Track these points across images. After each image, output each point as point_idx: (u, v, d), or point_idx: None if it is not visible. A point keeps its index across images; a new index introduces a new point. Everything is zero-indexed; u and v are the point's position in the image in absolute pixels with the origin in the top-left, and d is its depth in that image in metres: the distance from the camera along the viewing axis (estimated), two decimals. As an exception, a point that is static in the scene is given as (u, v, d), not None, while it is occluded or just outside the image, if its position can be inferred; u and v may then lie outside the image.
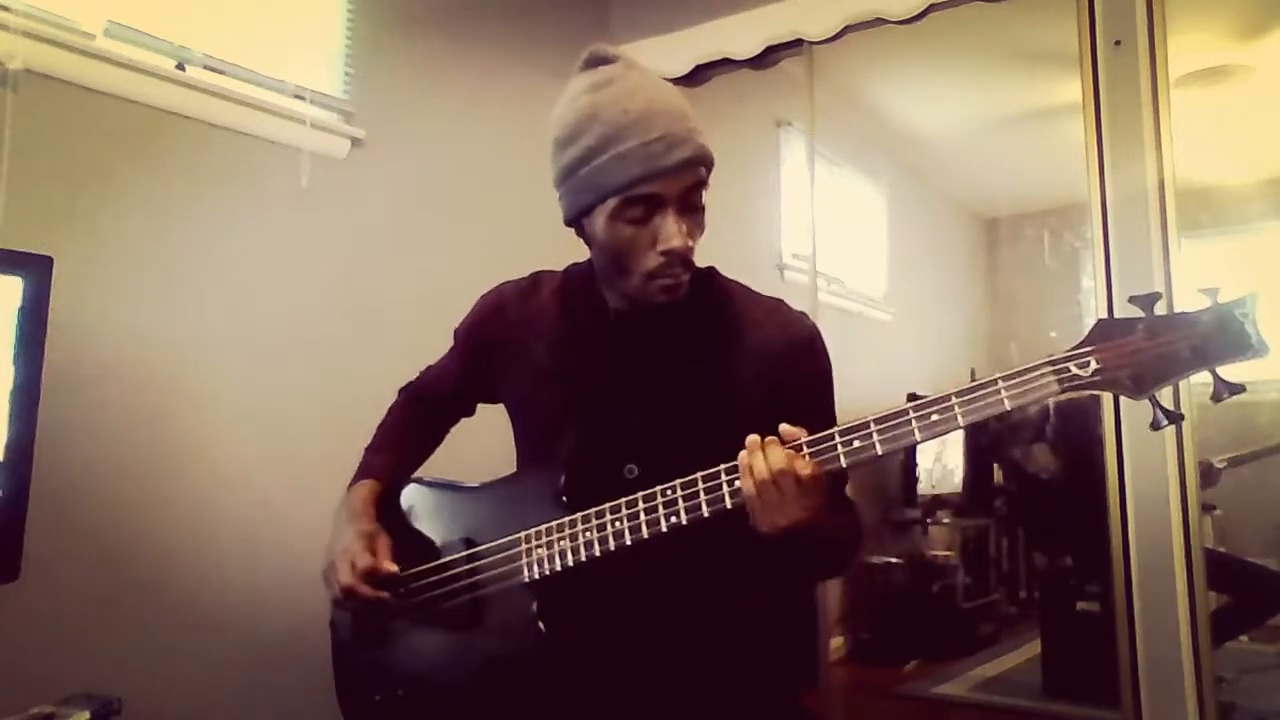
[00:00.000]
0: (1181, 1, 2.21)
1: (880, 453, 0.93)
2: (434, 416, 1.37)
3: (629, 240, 1.06)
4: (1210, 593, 2.03)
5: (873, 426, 0.93)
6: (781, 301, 1.19)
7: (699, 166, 1.06)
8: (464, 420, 1.39)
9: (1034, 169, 4.56)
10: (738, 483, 0.96)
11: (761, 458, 0.93)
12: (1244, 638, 2.97)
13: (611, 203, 1.05)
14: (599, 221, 1.07)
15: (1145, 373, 0.86)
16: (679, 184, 1.04)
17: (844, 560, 1.17)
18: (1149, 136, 2.07)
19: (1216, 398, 0.86)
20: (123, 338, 1.79)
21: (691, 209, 1.07)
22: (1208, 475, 2.88)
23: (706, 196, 1.09)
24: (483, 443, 1.33)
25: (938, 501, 4.14)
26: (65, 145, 1.73)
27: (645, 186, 1.03)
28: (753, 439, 0.95)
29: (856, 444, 0.93)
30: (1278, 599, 2.93)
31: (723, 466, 0.97)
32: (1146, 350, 0.86)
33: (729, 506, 0.97)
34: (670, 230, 1.04)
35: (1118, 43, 2.12)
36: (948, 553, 4.03)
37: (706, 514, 0.98)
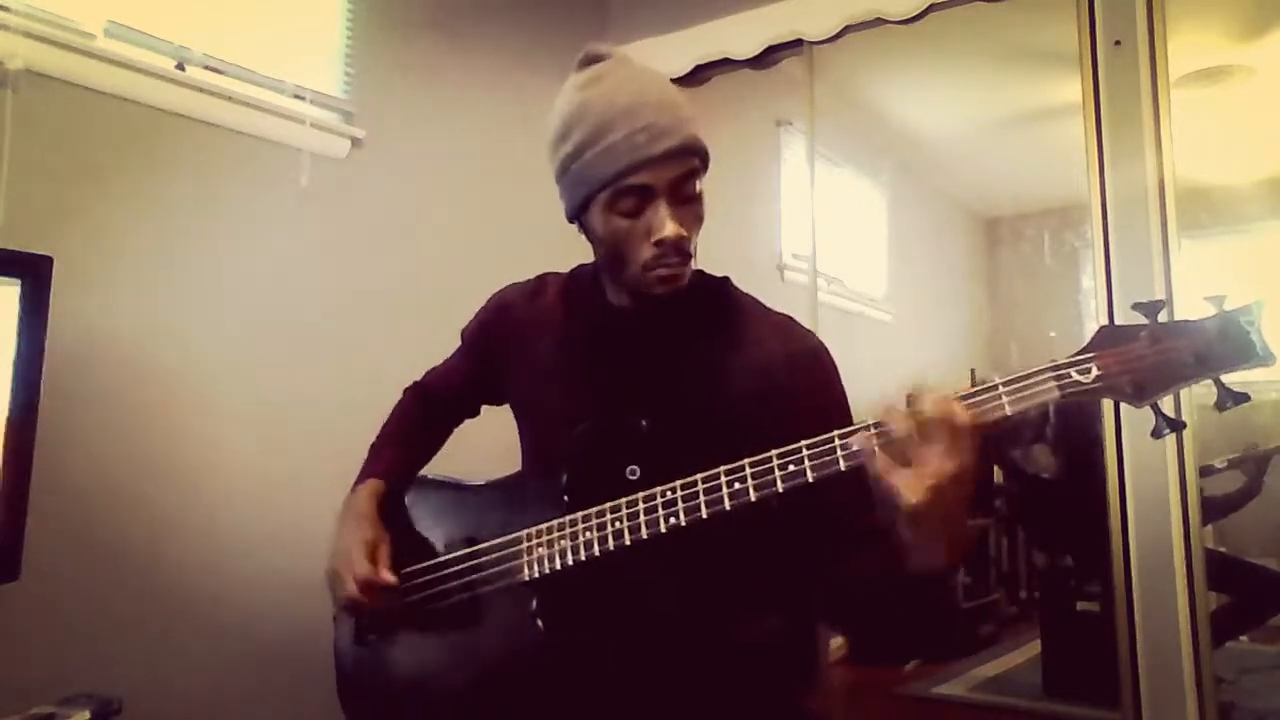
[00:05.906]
0: (1181, 1, 2.20)
1: None
2: (439, 416, 1.37)
3: (624, 232, 1.06)
4: (1210, 593, 2.03)
5: (873, 430, 0.92)
6: (791, 318, 1.18)
7: (688, 156, 1.05)
8: (469, 420, 1.39)
9: (1034, 169, 4.57)
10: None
11: (905, 417, 0.86)
12: (1244, 638, 2.97)
13: (604, 196, 1.05)
14: (595, 216, 1.08)
15: (1147, 380, 0.85)
16: (668, 174, 1.04)
17: (938, 612, 1.01)
18: (1149, 136, 2.07)
19: (1220, 406, 0.84)
20: (123, 338, 1.79)
21: (686, 199, 1.06)
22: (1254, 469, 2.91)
23: (702, 186, 1.08)
24: (488, 441, 1.33)
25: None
26: (65, 145, 1.73)
27: (633, 177, 1.03)
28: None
29: (855, 447, 0.91)
30: (1278, 599, 2.93)
31: (723, 468, 0.97)
32: (1149, 357, 0.84)
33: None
34: (661, 220, 1.04)
35: (1118, 43, 2.12)
36: (948, 553, 4.02)
37: (728, 508, 0.95)
